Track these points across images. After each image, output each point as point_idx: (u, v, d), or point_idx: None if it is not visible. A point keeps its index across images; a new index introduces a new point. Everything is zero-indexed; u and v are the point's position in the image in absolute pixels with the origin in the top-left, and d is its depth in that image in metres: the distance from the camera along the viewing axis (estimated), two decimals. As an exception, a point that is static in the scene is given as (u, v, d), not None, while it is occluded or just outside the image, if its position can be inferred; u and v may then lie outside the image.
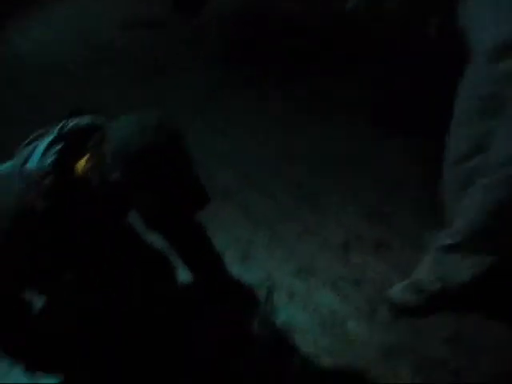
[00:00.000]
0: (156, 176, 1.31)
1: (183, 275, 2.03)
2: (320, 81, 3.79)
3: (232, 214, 2.61)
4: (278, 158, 3.04)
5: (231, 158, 3.02)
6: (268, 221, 2.58)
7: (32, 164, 1.40)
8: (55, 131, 1.45)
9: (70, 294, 1.79)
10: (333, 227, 2.55)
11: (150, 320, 2.00)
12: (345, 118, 3.37)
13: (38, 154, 1.41)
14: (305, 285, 2.23)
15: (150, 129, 1.30)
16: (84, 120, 1.48)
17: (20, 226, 1.42)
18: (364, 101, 3.50)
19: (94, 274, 1.71)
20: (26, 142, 1.50)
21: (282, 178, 2.88)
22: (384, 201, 2.72)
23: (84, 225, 1.48)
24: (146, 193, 1.34)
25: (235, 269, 2.24)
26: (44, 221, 1.39)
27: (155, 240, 1.96)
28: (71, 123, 1.46)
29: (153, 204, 1.38)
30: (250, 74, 3.90)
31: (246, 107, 3.55)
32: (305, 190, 2.79)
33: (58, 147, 1.41)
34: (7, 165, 1.56)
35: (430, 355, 1.95)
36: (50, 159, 1.39)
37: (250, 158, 3.05)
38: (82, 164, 1.40)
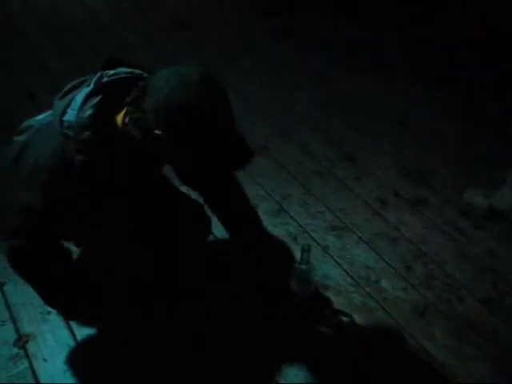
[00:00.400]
0: (199, 132, 1.26)
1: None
2: (359, 32, 3.69)
3: (267, 167, 2.58)
4: (315, 111, 2.98)
5: (268, 110, 2.97)
6: (303, 175, 2.55)
7: (70, 117, 1.37)
8: (92, 83, 1.40)
9: (108, 244, 1.81)
10: (369, 183, 2.51)
11: (185, 271, 2.03)
12: (385, 71, 3.29)
13: (76, 106, 1.37)
14: (339, 241, 2.21)
15: (193, 83, 1.24)
16: (121, 71, 1.43)
17: (59, 180, 1.41)
18: (406, 54, 3.40)
19: (132, 224, 1.72)
20: (62, 93, 1.46)
21: (319, 133, 2.83)
22: (423, 157, 2.66)
23: (123, 178, 1.47)
24: (188, 149, 1.30)
25: (269, 222, 2.24)
26: (82, 174, 1.38)
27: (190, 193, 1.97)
28: (108, 74, 1.41)
29: (194, 161, 1.34)
30: (289, 24, 3.81)
31: (284, 58, 3.48)
32: (342, 145, 2.74)
33: (96, 100, 1.36)
34: (44, 116, 1.54)
35: (465, 316, 1.93)
36: (88, 112, 1.34)
37: (287, 111, 3.00)
38: (120, 118, 1.36)
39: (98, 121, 1.35)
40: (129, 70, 1.44)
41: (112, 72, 1.42)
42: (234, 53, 3.48)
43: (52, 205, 1.45)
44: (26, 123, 1.59)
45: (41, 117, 1.54)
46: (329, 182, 2.52)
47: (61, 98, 1.44)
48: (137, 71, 1.44)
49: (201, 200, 1.93)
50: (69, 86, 1.46)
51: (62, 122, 1.38)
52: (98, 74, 1.42)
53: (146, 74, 1.43)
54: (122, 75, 1.42)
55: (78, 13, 4.05)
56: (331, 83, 3.23)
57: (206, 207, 1.94)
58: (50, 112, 1.51)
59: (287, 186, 2.47)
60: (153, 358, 1.77)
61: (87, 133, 1.34)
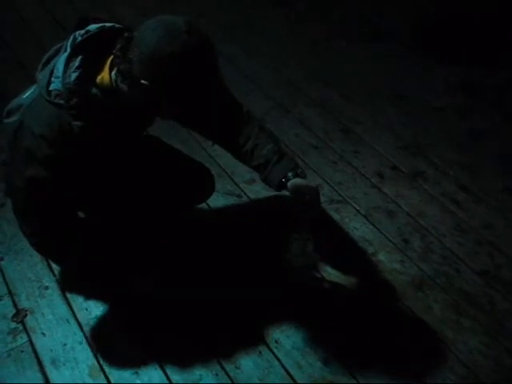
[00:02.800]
0: (185, 82, 1.26)
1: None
2: (359, 4, 3.64)
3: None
4: (312, 84, 2.95)
5: (264, 84, 2.94)
6: (300, 149, 2.53)
7: (56, 85, 1.36)
8: (67, 47, 1.39)
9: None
10: (367, 157, 2.50)
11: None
12: (384, 43, 3.26)
13: (59, 73, 1.36)
14: (337, 214, 2.20)
15: (180, 33, 1.23)
16: (92, 28, 1.41)
17: (60, 149, 1.40)
18: (405, 27, 3.36)
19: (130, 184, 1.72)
20: (41, 64, 1.45)
21: (316, 106, 2.80)
22: (421, 131, 2.64)
23: (118, 136, 1.47)
24: (174, 99, 1.30)
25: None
26: (82, 139, 1.37)
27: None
28: (81, 34, 1.40)
29: (180, 110, 1.36)
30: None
31: (281, 30, 3.43)
32: (339, 119, 2.72)
33: (78, 63, 1.35)
34: (30, 92, 1.50)
35: (462, 288, 1.94)
36: (73, 76, 1.33)
37: (284, 84, 2.97)
38: (106, 74, 1.36)
39: (84, 83, 1.35)
40: (99, 25, 1.43)
41: (83, 31, 1.41)
42: (229, 25, 3.42)
43: (58, 175, 1.44)
44: (12, 103, 1.55)
45: (27, 94, 1.51)
46: (326, 155, 2.50)
47: (41, 69, 1.44)
48: (107, 24, 1.43)
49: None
50: (46, 57, 1.46)
51: (49, 92, 1.37)
52: (71, 37, 1.41)
53: (118, 25, 1.43)
54: (94, 31, 1.41)
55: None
56: (329, 56, 3.19)
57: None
58: (34, 86, 1.49)
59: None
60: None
61: (76, 97, 1.33)
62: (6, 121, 1.53)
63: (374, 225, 2.16)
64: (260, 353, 1.72)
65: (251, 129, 1.67)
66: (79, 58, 1.36)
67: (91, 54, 1.38)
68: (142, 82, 1.27)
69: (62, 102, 1.35)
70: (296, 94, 2.89)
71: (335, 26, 3.45)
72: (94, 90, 1.38)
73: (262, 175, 1.66)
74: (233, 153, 1.74)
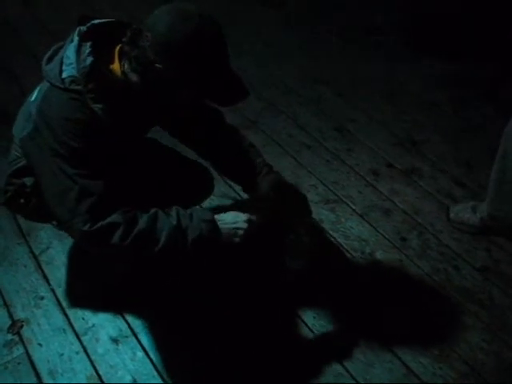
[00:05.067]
0: (199, 62, 1.28)
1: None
2: (348, 2, 3.63)
3: (258, 141, 2.52)
4: (305, 84, 2.94)
5: (257, 84, 2.92)
6: (294, 149, 2.51)
7: (70, 72, 1.34)
8: (74, 37, 1.38)
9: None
10: (362, 155, 2.48)
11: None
12: (376, 41, 3.26)
13: (70, 61, 1.35)
14: (333, 214, 2.19)
15: (193, 16, 1.27)
16: (95, 22, 1.41)
17: (92, 135, 1.36)
18: (396, 25, 3.36)
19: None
20: (46, 58, 1.43)
21: (309, 105, 2.79)
22: (415, 127, 2.64)
23: (133, 124, 1.48)
24: (188, 80, 1.30)
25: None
26: (105, 121, 1.36)
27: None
28: (87, 25, 1.39)
29: (193, 93, 1.36)
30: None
31: (273, 30, 3.42)
32: (333, 117, 2.70)
33: (89, 48, 1.34)
34: (36, 94, 1.46)
35: (461, 285, 1.92)
36: (88, 61, 1.33)
37: (277, 84, 2.95)
38: (117, 64, 1.36)
39: (100, 66, 1.35)
40: (101, 20, 1.43)
41: (88, 24, 1.40)
42: (221, 23, 3.39)
43: (95, 165, 1.39)
44: (20, 115, 1.52)
45: (34, 95, 1.48)
46: (321, 154, 2.49)
47: (48, 62, 1.42)
48: (109, 19, 1.44)
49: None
50: (50, 52, 1.45)
51: (62, 80, 1.35)
52: (76, 30, 1.40)
53: (118, 19, 1.44)
54: (100, 21, 1.42)
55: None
56: (321, 54, 3.18)
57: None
58: (38, 88, 1.46)
59: (278, 159, 2.43)
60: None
61: (94, 82, 1.33)
62: (22, 137, 1.47)
63: (370, 224, 2.15)
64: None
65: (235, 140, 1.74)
66: (89, 43, 1.36)
67: (99, 40, 1.38)
68: (157, 65, 1.27)
69: (78, 87, 1.33)
70: (288, 94, 2.87)
71: (326, 24, 3.44)
72: (110, 75, 1.38)
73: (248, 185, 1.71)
74: (216, 166, 1.82)
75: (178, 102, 1.48)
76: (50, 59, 1.42)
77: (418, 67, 3.05)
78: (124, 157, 1.53)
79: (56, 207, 1.41)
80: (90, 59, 1.33)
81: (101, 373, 1.67)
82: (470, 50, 3.00)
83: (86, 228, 1.35)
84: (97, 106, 1.34)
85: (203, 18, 1.28)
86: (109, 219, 1.37)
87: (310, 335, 1.77)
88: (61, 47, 1.43)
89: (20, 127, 1.49)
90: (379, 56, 3.14)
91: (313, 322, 1.80)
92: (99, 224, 1.36)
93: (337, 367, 1.68)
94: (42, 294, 1.88)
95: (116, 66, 1.37)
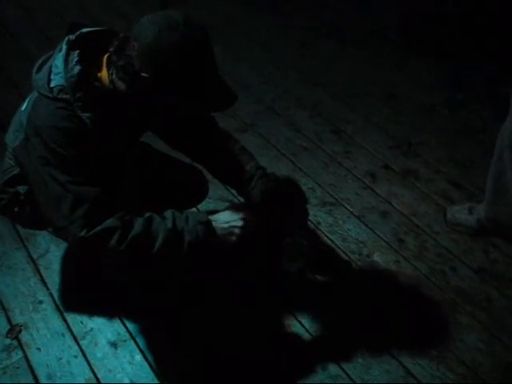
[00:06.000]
0: (186, 70, 1.28)
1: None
2: (347, 5, 3.64)
3: (255, 145, 2.54)
4: (302, 86, 2.95)
5: (254, 87, 2.93)
6: (292, 152, 2.52)
7: (58, 81, 1.35)
8: (63, 46, 1.39)
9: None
10: (359, 157, 2.49)
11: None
12: (373, 44, 3.26)
13: (59, 70, 1.36)
14: (330, 216, 2.19)
15: (179, 25, 1.26)
16: (84, 31, 1.42)
17: (81, 144, 1.37)
18: (394, 27, 3.37)
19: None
20: (36, 67, 1.44)
21: (306, 108, 2.80)
22: (412, 129, 2.64)
23: (121, 131, 1.48)
24: (175, 88, 1.30)
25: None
26: (96, 129, 1.36)
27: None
28: (76, 34, 1.40)
29: (180, 101, 1.36)
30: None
31: (269, 33, 3.43)
32: (330, 120, 2.71)
33: (77, 57, 1.35)
34: (26, 104, 1.47)
35: (458, 286, 1.93)
36: (76, 70, 1.34)
37: (274, 87, 2.96)
38: (104, 73, 1.37)
39: (87, 75, 1.36)
40: (90, 29, 1.44)
41: (77, 33, 1.41)
42: (217, 29, 3.41)
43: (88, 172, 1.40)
44: (12, 125, 1.53)
45: (24, 105, 1.49)
46: (318, 157, 2.49)
47: (38, 71, 1.42)
48: (98, 28, 1.45)
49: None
50: (40, 61, 1.45)
51: (51, 89, 1.36)
52: (65, 39, 1.41)
53: (108, 28, 1.44)
54: (88, 30, 1.43)
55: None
56: (318, 57, 3.19)
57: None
58: (29, 97, 1.47)
59: (276, 162, 2.45)
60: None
61: (81, 91, 1.34)
62: (15, 147, 1.48)
63: (367, 226, 2.15)
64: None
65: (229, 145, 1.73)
66: (76, 52, 1.37)
67: (87, 49, 1.38)
68: (143, 74, 1.28)
69: (66, 96, 1.34)
70: (286, 97, 2.88)
71: (323, 27, 3.45)
72: (97, 84, 1.38)
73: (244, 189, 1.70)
74: (209, 170, 1.80)
75: (165, 110, 1.49)
76: (40, 68, 1.43)
77: (416, 69, 3.05)
78: (117, 162, 1.54)
79: (51, 215, 1.41)
80: (77, 68, 1.34)
81: (99, 376, 1.67)
82: (467, 52, 3.01)
83: (82, 234, 1.35)
84: (85, 115, 1.35)
85: (189, 25, 1.27)
86: (105, 224, 1.37)
87: (308, 337, 1.77)
88: (50, 56, 1.44)
89: (12, 136, 1.50)
90: (377, 59, 3.14)
91: (310, 324, 1.80)
92: (96, 229, 1.36)
93: (334, 369, 1.68)
94: (40, 298, 1.88)
95: (104, 75, 1.38)
